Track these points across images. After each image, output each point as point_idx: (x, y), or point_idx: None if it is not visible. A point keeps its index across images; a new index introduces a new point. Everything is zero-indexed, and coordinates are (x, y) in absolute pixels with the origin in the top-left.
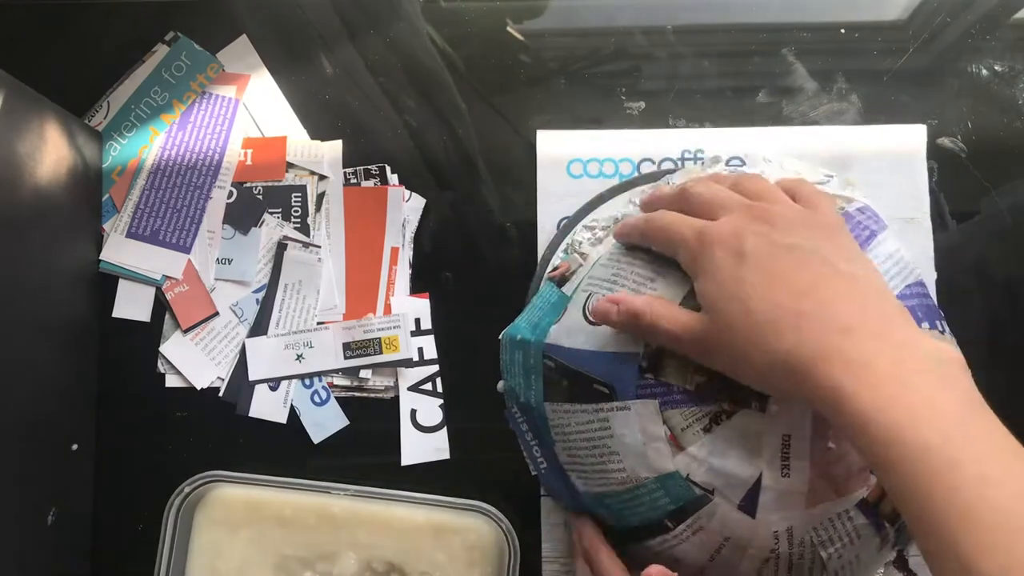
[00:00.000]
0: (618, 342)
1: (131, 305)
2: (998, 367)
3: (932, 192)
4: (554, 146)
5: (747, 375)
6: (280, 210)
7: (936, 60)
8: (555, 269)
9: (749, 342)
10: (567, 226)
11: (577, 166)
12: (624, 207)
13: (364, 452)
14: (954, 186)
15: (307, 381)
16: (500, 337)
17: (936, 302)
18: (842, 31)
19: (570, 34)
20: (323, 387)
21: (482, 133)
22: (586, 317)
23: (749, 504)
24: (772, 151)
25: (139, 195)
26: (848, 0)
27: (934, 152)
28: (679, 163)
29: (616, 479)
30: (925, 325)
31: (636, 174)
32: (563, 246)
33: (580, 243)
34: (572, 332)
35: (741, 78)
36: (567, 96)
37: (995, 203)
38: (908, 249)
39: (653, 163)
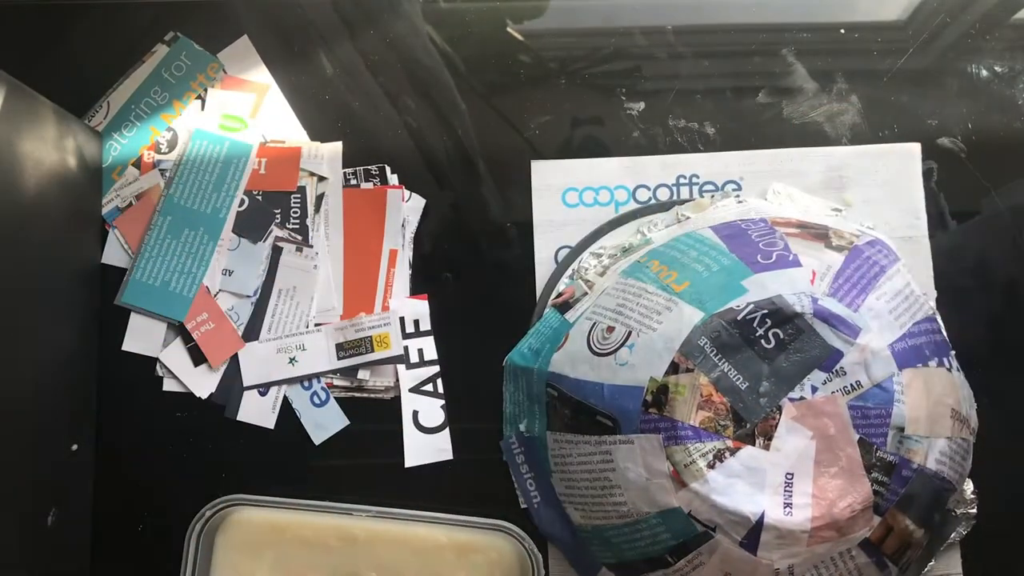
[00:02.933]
0: (622, 376)
1: (141, 340)
2: (998, 367)
3: (932, 192)
4: (549, 176)
5: None
6: (279, 211)
7: (936, 60)
8: (559, 295)
9: None
10: (574, 251)
11: (572, 195)
12: (632, 235)
13: (366, 454)
14: (954, 186)
15: (306, 383)
16: (504, 363)
17: (945, 335)
18: (842, 31)
19: (570, 34)
20: (322, 388)
21: (482, 133)
22: (591, 347)
23: (751, 542)
24: (778, 181)
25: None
26: (848, 0)
27: (934, 152)
28: (674, 189)
29: (617, 512)
30: (933, 363)
31: (632, 201)
32: (569, 272)
33: (586, 270)
34: (576, 362)
35: (741, 78)
36: (567, 96)
37: (995, 203)
38: (906, 268)
39: (648, 189)
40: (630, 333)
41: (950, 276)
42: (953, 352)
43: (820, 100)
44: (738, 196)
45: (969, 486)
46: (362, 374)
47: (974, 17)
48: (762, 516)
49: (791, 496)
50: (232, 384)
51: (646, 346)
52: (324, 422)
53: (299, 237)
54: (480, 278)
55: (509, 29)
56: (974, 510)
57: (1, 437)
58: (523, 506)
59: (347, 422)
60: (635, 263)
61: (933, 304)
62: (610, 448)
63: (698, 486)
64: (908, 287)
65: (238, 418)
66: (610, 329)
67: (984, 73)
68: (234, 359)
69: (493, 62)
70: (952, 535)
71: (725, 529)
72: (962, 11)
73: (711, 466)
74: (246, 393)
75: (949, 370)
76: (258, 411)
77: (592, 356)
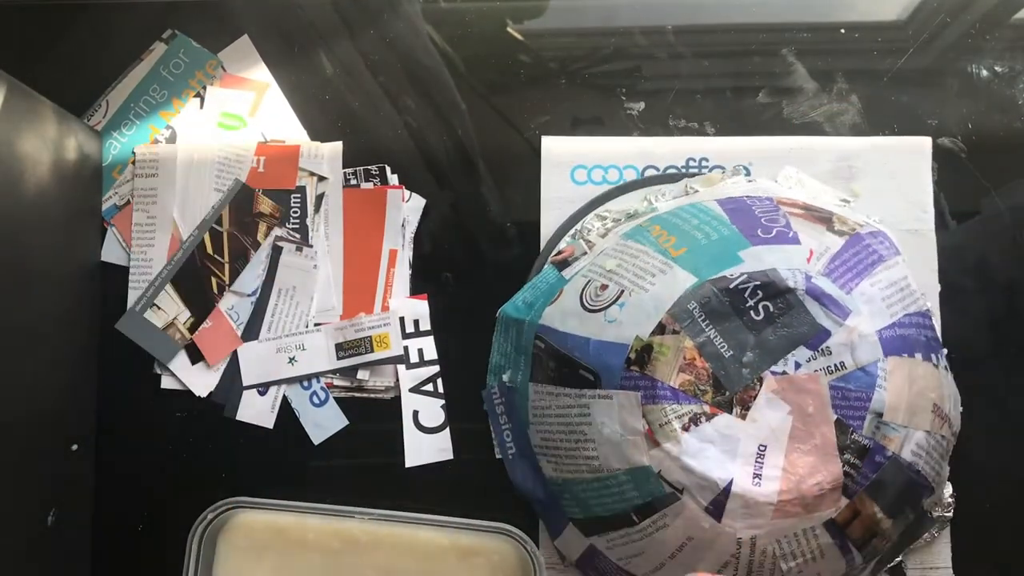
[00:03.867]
0: (609, 332)
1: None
2: (998, 367)
3: (933, 192)
4: (559, 152)
5: None
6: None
7: (936, 60)
8: (559, 253)
9: None
10: (581, 211)
11: (581, 172)
12: (639, 202)
13: (366, 453)
14: (954, 186)
15: (305, 383)
16: (497, 314)
17: (938, 334)
18: (842, 31)
19: (570, 34)
20: (321, 388)
21: (482, 133)
22: (583, 303)
23: (716, 508)
24: (786, 165)
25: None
26: (848, 0)
27: (934, 152)
28: (683, 170)
29: (588, 467)
30: (919, 355)
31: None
32: (572, 231)
33: (589, 231)
34: (566, 316)
35: (741, 78)
36: (567, 96)
37: (995, 203)
38: (911, 261)
39: (657, 170)
40: (622, 292)
41: (950, 275)
42: (945, 351)
43: (820, 100)
44: (748, 175)
45: (948, 489)
46: (362, 374)
47: (974, 17)
48: (730, 483)
49: (761, 467)
50: (231, 384)
51: (636, 305)
52: (323, 422)
53: (298, 236)
54: (480, 278)
55: (509, 29)
56: (950, 514)
57: (1, 437)
58: (498, 456)
59: (346, 422)
60: (637, 227)
61: (929, 304)
62: (589, 402)
63: (670, 447)
64: (905, 280)
65: (237, 418)
66: (603, 287)
67: (984, 73)
68: (233, 359)
69: (493, 62)
70: (924, 536)
71: (692, 492)
72: (962, 11)
73: (686, 428)
74: (245, 393)
75: (936, 367)
76: (257, 411)
77: (583, 311)
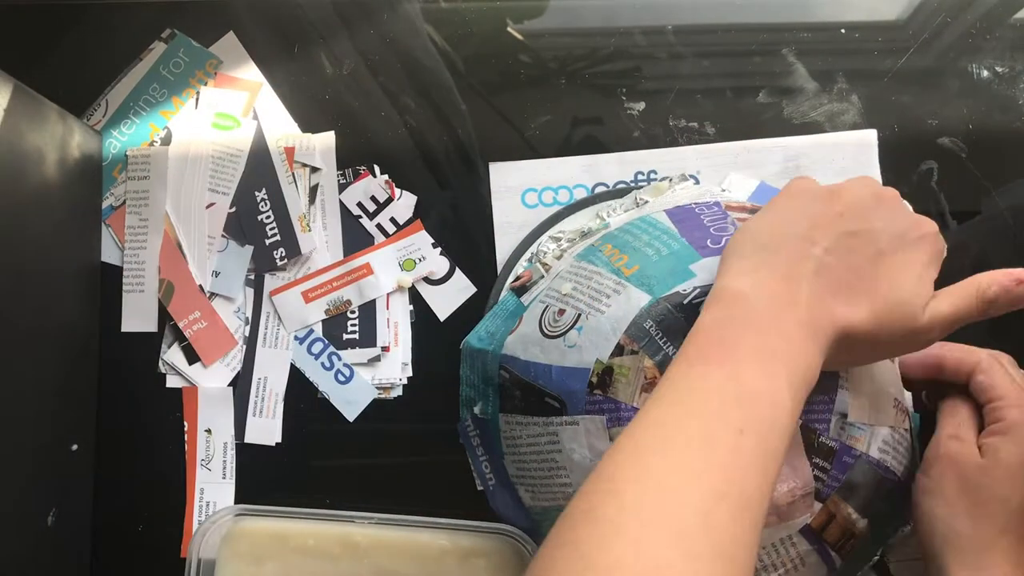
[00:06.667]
0: (570, 357)
1: (137, 317)
2: None
3: (932, 192)
4: (508, 177)
5: None
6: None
7: (936, 60)
8: (518, 279)
9: None
10: (533, 233)
11: (532, 195)
12: (592, 219)
13: (367, 454)
14: (954, 186)
15: (327, 363)
16: (460, 346)
17: None
18: (842, 31)
19: (570, 34)
20: (344, 365)
21: (482, 133)
22: (542, 330)
23: None
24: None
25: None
26: (848, 0)
27: (934, 152)
28: (632, 184)
29: (563, 494)
30: None
31: None
32: (527, 255)
33: (545, 253)
34: (528, 344)
35: (741, 78)
36: (567, 96)
37: (995, 203)
38: None
39: (607, 187)
40: (579, 316)
41: (950, 276)
42: None
43: (820, 100)
44: (697, 180)
45: None
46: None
47: (974, 17)
48: None
49: None
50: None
51: (594, 329)
52: (353, 397)
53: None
54: (480, 278)
55: (509, 29)
56: None
57: (1, 437)
58: (479, 488)
59: (376, 392)
60: (589, 247)
61: None
62: (557, 429)
63: None
64: None
65: (245, 440)
66: (561, 312)
67: (984, 73)
68: (240, 381)
69: (493, 62)
70: (896, 533)
71: None
72: (962, 11)
73: None
74: (250, 418)
75: (894, 362)
76: (268, 431)
77: (543, 338)
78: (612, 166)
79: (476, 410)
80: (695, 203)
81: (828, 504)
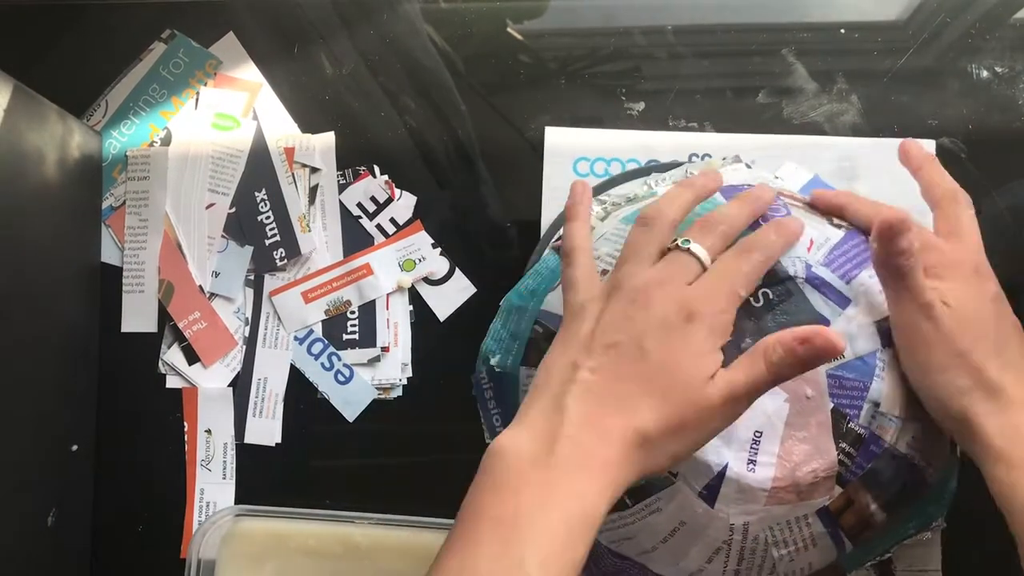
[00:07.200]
0: None
1: (137, 318)
2: None
3: None
4: (562, 143)
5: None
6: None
7: (936, 60)
8: (560, 238)
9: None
10: None
11: (584, 164)
12: (639, 188)
13: (367, 454)
14: None
15: (326, 363)
16: (501, 302)
17: None
18: (842, 31)
19: (570, 34)
20: (344, 365)
21: (482, 133)
22: None
23: (710, 493)
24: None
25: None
26: (848, 0)
27: (934, 152)
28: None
29: None
30: None
31: None
32: None
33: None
34: None
35: (741, 78)
36: (567, 96)
37: (995, 203)
38: None
39: (659, 163)
40: None
41: None
42: None
43: (820, 100)
44: (749, 165)
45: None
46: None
47: (974, 17)
48: (725, 468)
49: (756, 454)
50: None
51: None
52: (352, 398)
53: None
54: (480, 278)
55: (509, 29)
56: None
57: (1, 437)
58: (488, 441)
59: (376, 393)
60: (636, 211)
61: None
62: None
63: None
64: None
65: (245, 441)
66: (604, 272)
67: (984, 73)
68: (240, 381)
69: (493, 62)
70: (918, 535)
71: (686, 476)
72: (962, 11)
73: None
74: (250, 418)
75: None
76: (267, 432)
77: None
78: (667, 143)
79: (493, 362)
80: (748, 184)
81: (848, 490)
